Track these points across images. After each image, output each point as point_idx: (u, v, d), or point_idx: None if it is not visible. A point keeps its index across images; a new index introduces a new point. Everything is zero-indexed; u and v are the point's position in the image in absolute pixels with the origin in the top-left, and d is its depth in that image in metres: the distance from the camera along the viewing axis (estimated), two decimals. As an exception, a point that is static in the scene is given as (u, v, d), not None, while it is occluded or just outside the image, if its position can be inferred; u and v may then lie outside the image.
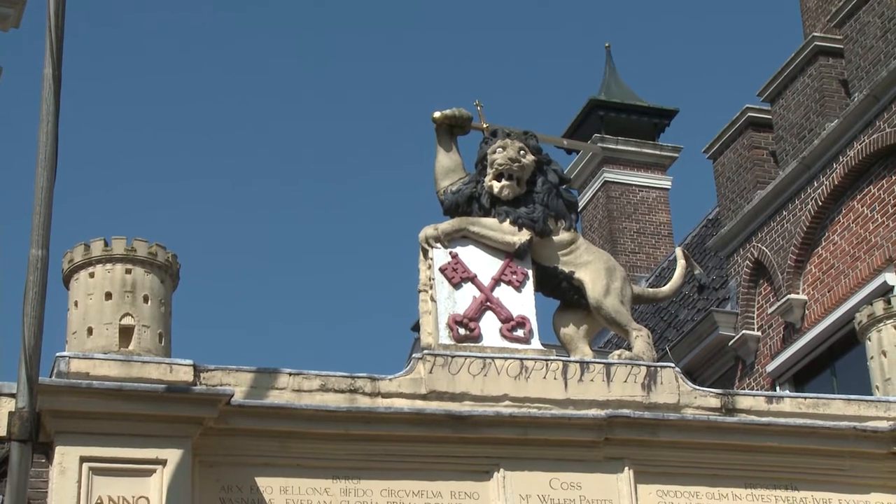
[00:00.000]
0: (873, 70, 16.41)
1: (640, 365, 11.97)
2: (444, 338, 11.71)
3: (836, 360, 16.35)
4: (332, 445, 11.16)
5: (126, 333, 10.90)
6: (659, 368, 12.10)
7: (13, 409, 9.76)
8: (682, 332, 18.83)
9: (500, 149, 12.06)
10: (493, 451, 11.38)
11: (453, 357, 11.52)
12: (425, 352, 11.66)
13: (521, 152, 12.10)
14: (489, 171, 12.09)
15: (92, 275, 10.97)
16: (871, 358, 12.54)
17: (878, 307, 12.65)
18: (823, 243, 16.73)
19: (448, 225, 12.03)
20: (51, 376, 10.48)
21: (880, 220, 16.03)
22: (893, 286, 15.05)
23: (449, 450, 11.40)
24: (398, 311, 64.73)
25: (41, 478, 10.33)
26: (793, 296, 16.74)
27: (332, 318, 62.72)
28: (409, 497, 11.16)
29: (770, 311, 17.61)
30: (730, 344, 18.10)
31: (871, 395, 12.53)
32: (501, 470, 11.28)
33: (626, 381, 11.78)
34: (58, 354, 10.66)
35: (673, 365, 12.65)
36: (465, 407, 11.38)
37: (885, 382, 12.29)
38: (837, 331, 16.20)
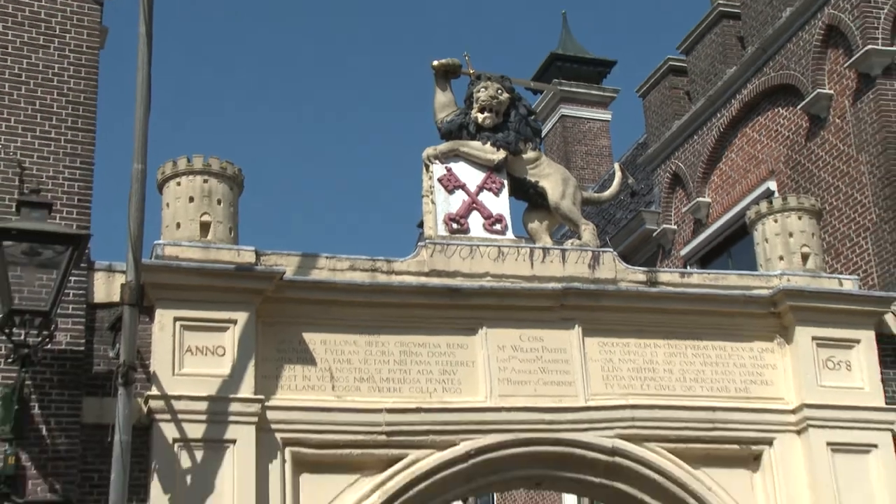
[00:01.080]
0: (762, 29, 16.65)
1: (587, 250, 12.34)
2: (441, 231, 12.10)
3: (731, 246, 16.66)
4: (359, 310, 11.59)
5: (205, 227, 11.22)
6: (601, 253, 12.41)
7: (124, 282, 10.15)
8: (619, 227, 19.09)
9: (483, 88, 12.40)
10: (477, 314, 11.83)
11: (448, 245, 11.94)
12: (427, 241, 12.07)
13: (499, 91, 12.43)
14: (475, 105, 12.45)
15: (179, 183, 11.26)
16: (757, 244, 12.97)
17: (763, 207, 13.00)
18: (724, 159, 16.96)
19: (444, 146, 12.43)
20: (151, 258, 10.90)
21: (766, 143, 16.30)
22: (774, 191, 15.31)
23: (445, 313, 11.85)
24: (408, 211, 70.20)
25: (146, 332, 10.78)
26: (700, 199, 17.02)
27: (360, 216, 68.04)
28: (415, 347, 11.67)
29: (683, 210, 17.83)
30: (653, 235, 18.38)
31: (757, 270, 12.93)
32: (484, 328, 11.78)
33: (576, 262, 12.19)
34: (155, 242, 11.15)
35: (611, 250, 12.95)
36: (456, 281, 11.79)
37: (766, 262, 12.71)
38: (733, 224, 16.45)
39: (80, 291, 10.74)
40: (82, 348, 10.66)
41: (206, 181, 11.29)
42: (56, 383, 10.48)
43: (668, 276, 12.97)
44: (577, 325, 12.03)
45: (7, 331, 9.92)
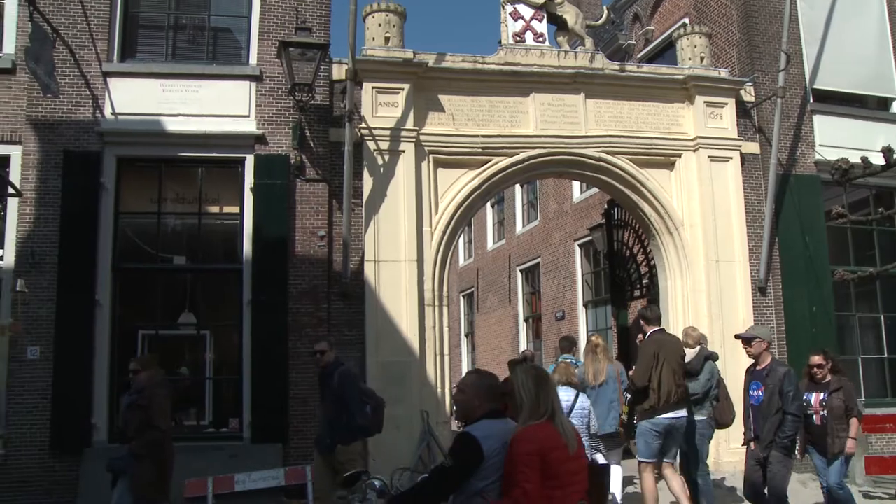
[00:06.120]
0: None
1: (588, 52, 12.32)
2: (510, 41, 12.11)
3: (664, 53, 15.59)
4: (467, 83, 11.94)
5: (387, 40, 11.50)
6: (595, 53, 12.36)
7: (347, 68, 10.89)
8: (605, 41, 17.08)
9: None
10: (529, 86, 12.06)
11: (514, 49, 12.04)
12: (503, 46, 12.09)
13: None
14: None
15: (374, 16, 11.61)
16: (678, 51, 13.03)
17: (682, 31, 13.08)
18: (661, 7, 15.93)
19: (513, -5, 11.92)
20: (360, 56, 11.31)
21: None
22: (687, 23, 14.36)
23: (512, 85, 12.02)
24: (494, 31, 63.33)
25: (359, 94, 11.31)
26: (648, 27, 16.25)
27: (472, 33, 60.91)
28: (497, 103, 11.98)
29: (639, 33, 16.73)
30: (623, 46, 17.02)
31: (677, 65, 12.93)
32: (533, 93, 12.05)
33: (582, 59, 12.27)
34: (362, 47, 11.50)
35: (601, 52, 12.67)
36: (518, 68, 11.93)
37: (682, 60, 12.68)
38: (665, 42, 15.43)
39: (326, 73, 11.19)
40: (328, 102, 11.24)
41: (387, 15, 11.54)
42: (316, 120, 11.16)
43: (631, 66, 12.86)
44: (582, 93, 12.18)
45: (295, 94, 10.63)
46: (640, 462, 8.08)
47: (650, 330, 8.18)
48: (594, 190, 16.33)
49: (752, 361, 8.19)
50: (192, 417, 10.96)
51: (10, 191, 10.04)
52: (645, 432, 7.96)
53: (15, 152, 10.35)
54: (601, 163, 12.17)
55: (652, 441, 7.93)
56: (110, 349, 10.22)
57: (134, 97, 10.73)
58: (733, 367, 11.14)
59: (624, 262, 14.11)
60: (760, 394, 7.51)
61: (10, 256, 10.10)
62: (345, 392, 7.49)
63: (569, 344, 10.19)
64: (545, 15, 12.34)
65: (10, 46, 10.68)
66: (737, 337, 8.19)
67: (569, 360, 9.31)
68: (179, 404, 11.25)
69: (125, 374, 10.33)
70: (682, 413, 8.02)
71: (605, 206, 14.73)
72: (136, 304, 11.05)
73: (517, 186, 21.25)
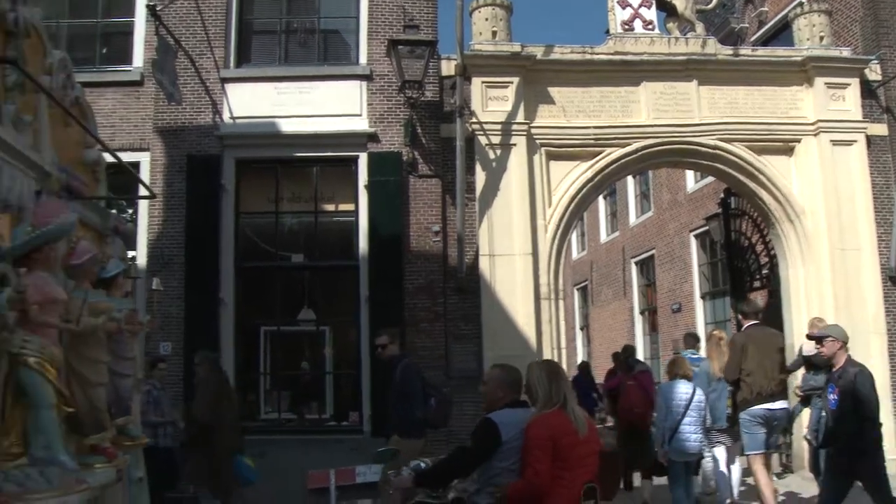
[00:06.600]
0: None
1: (699, 37, 12.00)
2: (619, 30, 11.94)
3: (779, 35, 15.16)
4: (576, 74, 11.87)
5: (493, 34, 11.50)
6: (707, 38, 12.12)
7: (456, 63, 11.01)
8: (715, 25, 16.40)
9: None
10: (640, 75, 11.90)
11: (623, 38, 11.88)
12: (612, 36, 11.95)
13: None
14: None
15: (480, 11, 11.63)
16: (795, 31, 12.63)
17: (798, 10, 12.70)
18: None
19: (621, -13, 11.81)
20: (468, 51, 11.29)
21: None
22: (804, 1, 13.40)
23: (622, 75, 11.90)
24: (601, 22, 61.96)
25: (468, 89, 11.39)
26: (762, 8, 15.81)
27: (580, 23, 57.44)
28: (608, 93, 11.87)
29: (752, 15, 16.35)
30: (735, 30, 16.76)
31: (794, 47, 12.48)
32: (644, 82, 11.90)
33: (693, 44, 12.04)
34: (469, 43, 11.38)
35: (713, 36, 12.53)
36: (628, 57, 11.79)
37: (799, 41, 12.27)
38: (780, 23, 15.03)
39: (434, 70, 11.39)
40: (438, 98, 11.47)
41: (493, 9, 11.59)
42: (427, 117, 11.44)
43: (745, 50, 12.71)
44: (694, 80, 11.96)
45: (405, 91, 10.88)
46: (748, 456, 8.07)
47: (746, 324, 8.41)
48: (709, 179, 16.07)
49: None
50: (314, 411, 11.26)
51: (145, 192, 10.55)
52: (745, 424, 8.02)
53: (144, 158, 10.92)
54: (716, 151, 11.94)
55: (755, 431, 7.97)
56: (234, 345, 10.63)
57: (250, 101, 11.28)
58: (863, 361, 10.66)
59: (742, 252, 13.74)
60: (836, 397, 6.62)
61: (142, 257, 10.61)
62: (406, 385, 7.48)
63: (693, 340, 10.48)
64: (654, 1, 12.17)
65: (138, 60, 11.26)
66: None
67: (684, 356, 9.34)
68: (300, 398, 11.59)
69: (249, 370, 10.83)
70: (780, 405, 8.07)
71: (722, 196, 14.37)
72: (258, 302, 11.48)
73: (629, 177, 20.99)
